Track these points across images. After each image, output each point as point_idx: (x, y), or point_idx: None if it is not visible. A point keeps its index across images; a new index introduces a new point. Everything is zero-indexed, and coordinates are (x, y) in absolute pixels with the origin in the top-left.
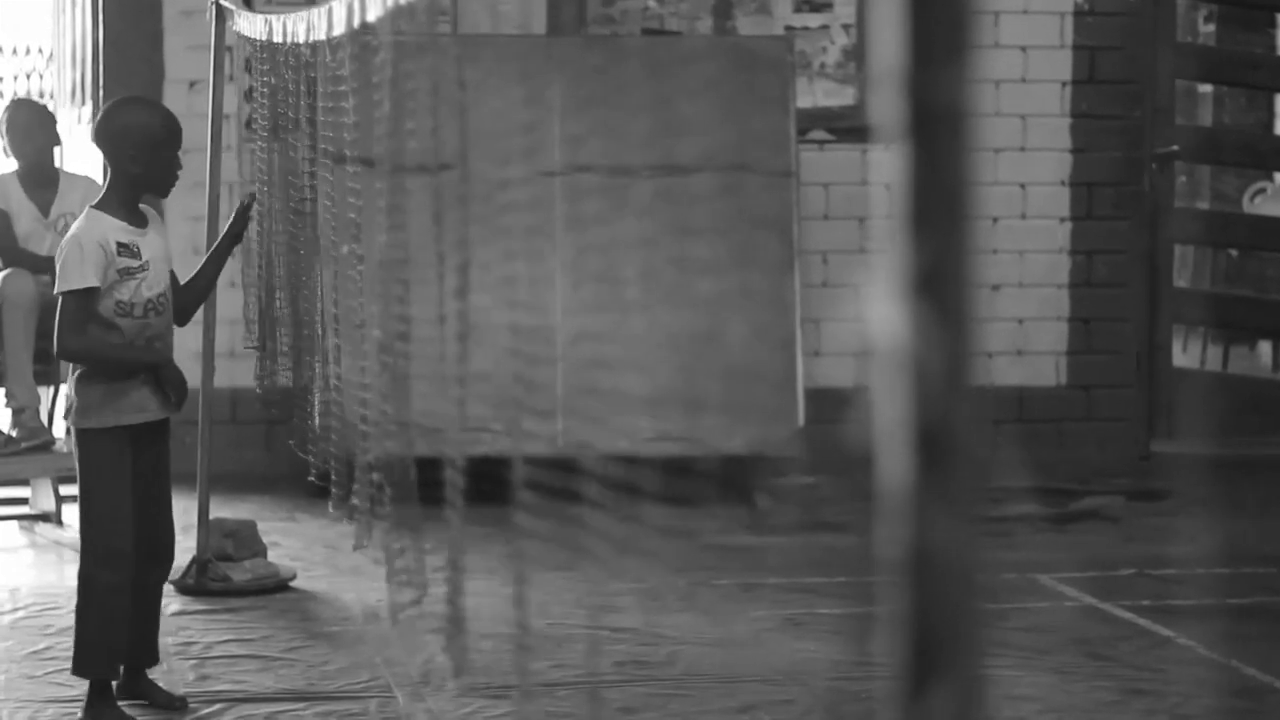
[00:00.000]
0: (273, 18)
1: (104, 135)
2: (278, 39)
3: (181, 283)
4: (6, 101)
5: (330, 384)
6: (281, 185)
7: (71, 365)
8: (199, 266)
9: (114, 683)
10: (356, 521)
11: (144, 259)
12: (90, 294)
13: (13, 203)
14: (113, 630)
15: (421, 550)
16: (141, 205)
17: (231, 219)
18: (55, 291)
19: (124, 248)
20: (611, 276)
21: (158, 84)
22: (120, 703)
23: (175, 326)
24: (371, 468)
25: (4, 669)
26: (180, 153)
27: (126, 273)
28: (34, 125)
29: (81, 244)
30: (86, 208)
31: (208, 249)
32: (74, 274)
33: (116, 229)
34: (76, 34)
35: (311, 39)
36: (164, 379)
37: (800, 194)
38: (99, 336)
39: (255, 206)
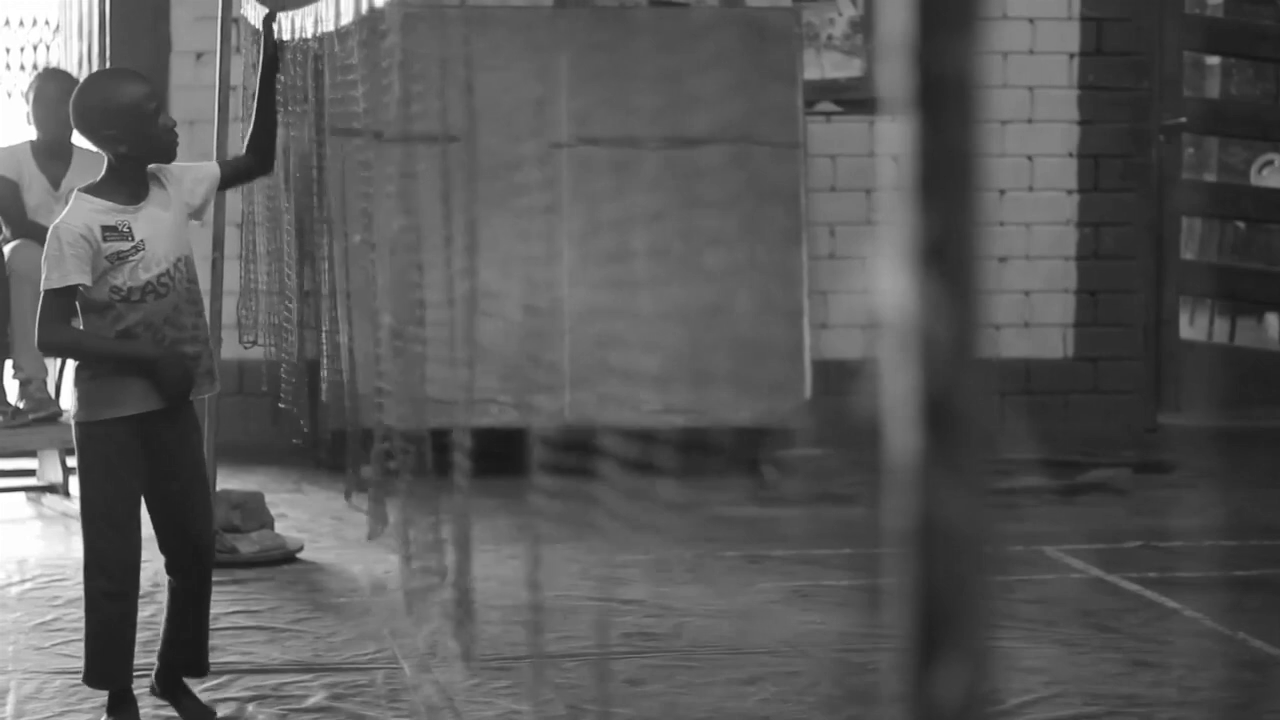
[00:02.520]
0: (281, 15)
1: (80, 123)
2: (286, 36)
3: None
4: (13, 73)
5: (340, 357)
6: (283, 160)
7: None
8: (253, 115)
9: (150, 684)
10: (371, 510)
11: (136, 239)
12: (71, 290)
13: (24, 174)
14: (114, 640)
15: (436, 528)
16: (151, 173)
17: (263, 45)
18: (40, 288)
19: (111, 230)
20: (619, 249)
21: (164, 55)
22: (159, 701)
23: (263, 172)
24: (387, 448)
25: (12, 640)
26: (157, 108)
27: (118, 257)
28: (61, 99)
29: (60, 238)
30: (76, 191)
31: (214, 226)
32: (53, 272)
33: (102, 211)
34: (83, 6)
35: (320, 31)
36: (158, 374)
37: (807, 166)
38: (83, 330)
39: (274, 26)
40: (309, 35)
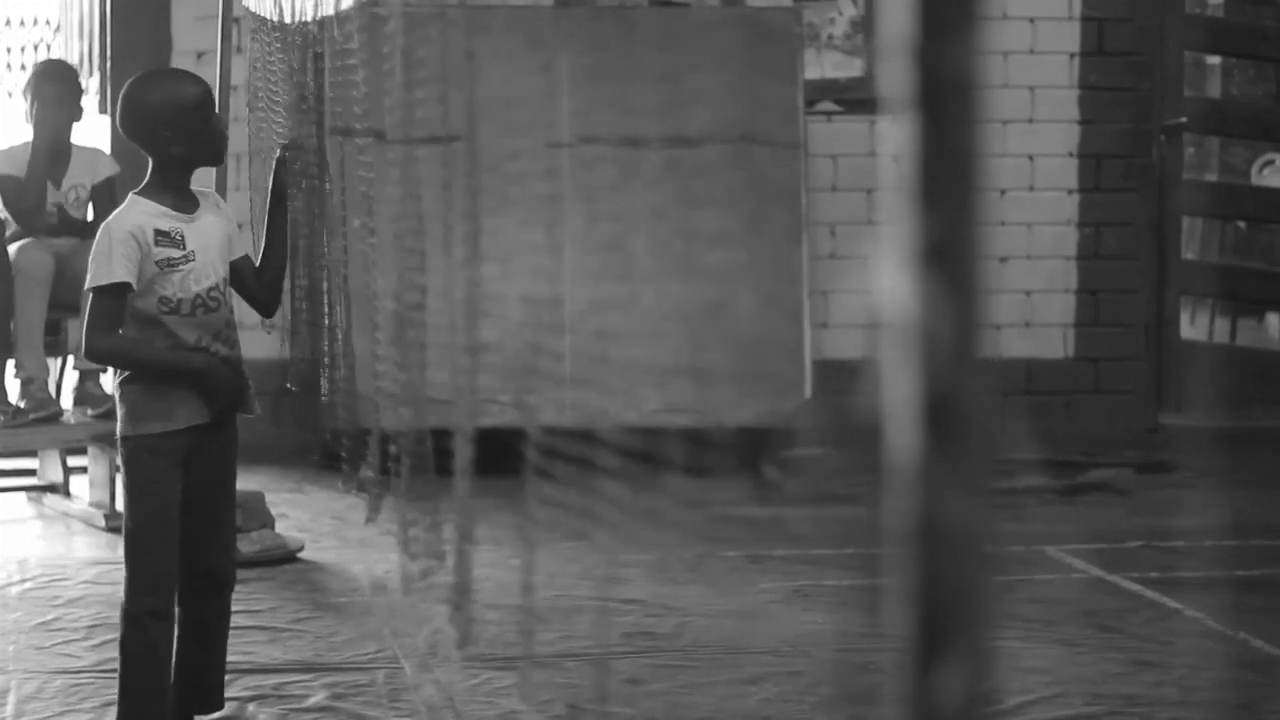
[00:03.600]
0: None
1: (133, 121)
2: (287, 19)
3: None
4: (14, 74)
5: (340, 357)
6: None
7: (113, 370)
8: (262, 247)
9: None
10: (368, 494)
11: (188, 249)
12: (119, 290)
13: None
14: (159, 668)
15: (435, 522)
16: (196, 188)
17: (272, 178)
18: (85, 288)
19: (163, 236)
20: (620, 248)
21: (165, 55)
22: None
23: (263, 314)
24: (386, 440)
25: (12, 640)
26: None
27: (168, 264)
28: (60, 98)
29: (111, 234)
30: (130, 194)
31: None
32: (100, 269)
33: (155, 215)
34: (84, 5)
35: (320, 15)
36: (208, 386)
37: (808, 166)
38: (133, 338)
39: (289, 157)
40: (308, 19)
